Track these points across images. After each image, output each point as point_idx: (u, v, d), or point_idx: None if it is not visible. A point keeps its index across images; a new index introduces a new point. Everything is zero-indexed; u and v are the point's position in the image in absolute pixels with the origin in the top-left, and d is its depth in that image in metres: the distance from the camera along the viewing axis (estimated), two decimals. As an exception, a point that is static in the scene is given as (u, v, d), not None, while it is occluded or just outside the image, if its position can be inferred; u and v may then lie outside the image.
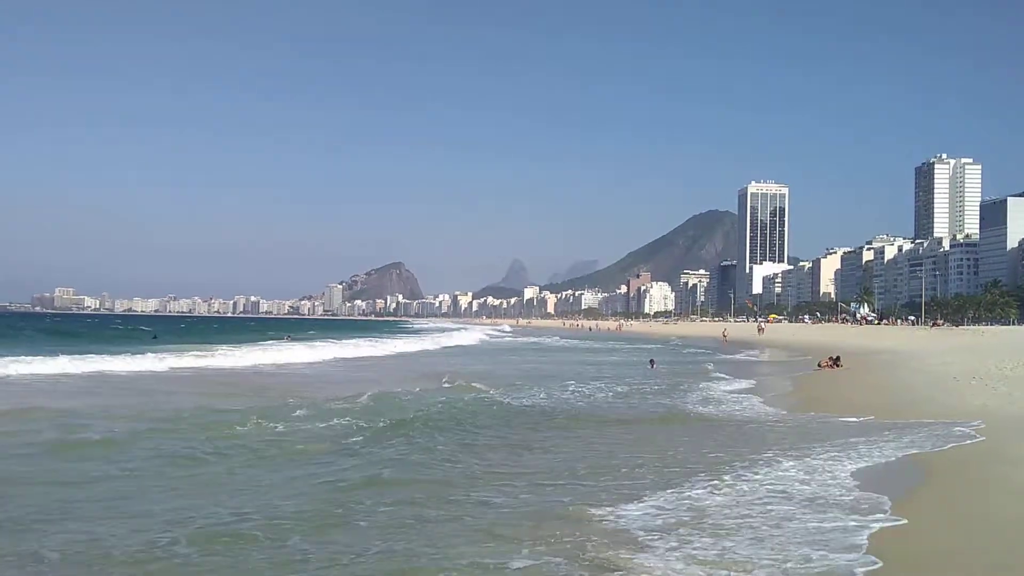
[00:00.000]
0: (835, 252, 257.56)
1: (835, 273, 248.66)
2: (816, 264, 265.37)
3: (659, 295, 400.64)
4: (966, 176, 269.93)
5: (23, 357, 33.60)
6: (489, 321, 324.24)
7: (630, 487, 11.64)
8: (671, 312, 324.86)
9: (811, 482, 11.91)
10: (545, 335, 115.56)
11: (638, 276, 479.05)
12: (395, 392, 24.33)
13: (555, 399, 24.12)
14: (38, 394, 23.42)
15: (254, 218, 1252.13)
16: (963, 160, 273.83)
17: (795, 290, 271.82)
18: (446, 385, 27.71)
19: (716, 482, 11.92)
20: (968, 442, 15.07)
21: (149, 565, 8.24)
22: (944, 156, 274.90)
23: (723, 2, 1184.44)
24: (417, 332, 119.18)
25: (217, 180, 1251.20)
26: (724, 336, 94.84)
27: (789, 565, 8.14)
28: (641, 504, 10.62)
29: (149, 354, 39.87)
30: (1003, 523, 9.60)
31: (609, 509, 10.31)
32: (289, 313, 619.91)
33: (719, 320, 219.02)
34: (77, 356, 35.77)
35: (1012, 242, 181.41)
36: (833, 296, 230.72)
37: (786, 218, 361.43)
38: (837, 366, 36.35)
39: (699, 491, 11.38)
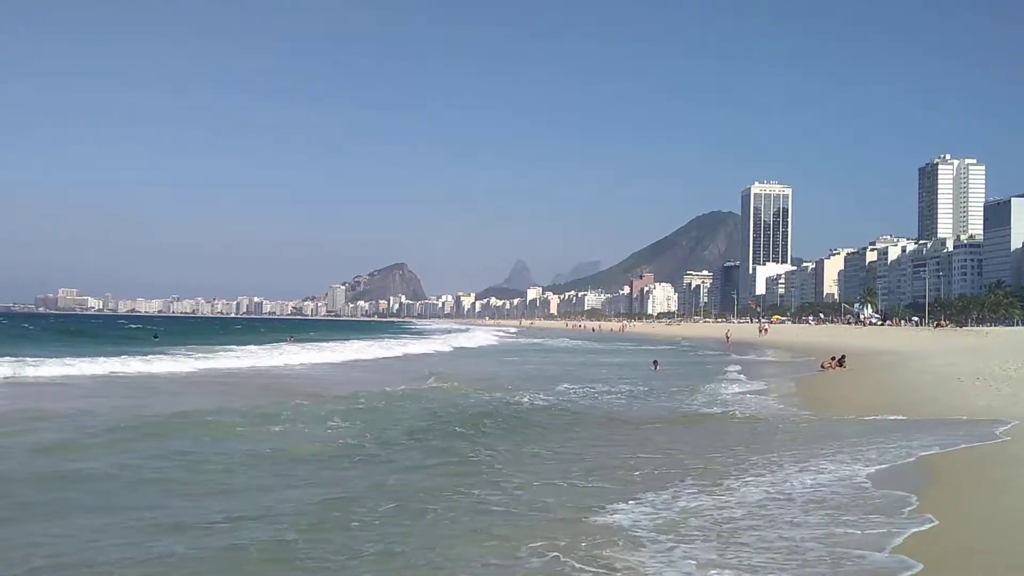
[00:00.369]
0: (838, 253, 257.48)
1: (838, 274, 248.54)
2: (819, 265, 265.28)
3: (662, 296, 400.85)
4: (970, 176, 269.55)
5: (28, 358, 33.42)
6: (492, 322, 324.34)
7: (634, 488, 11.57)
8: (674, 313, 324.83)
9: (822, 482, 11.80)
10: (549, 336, 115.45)
11: (641, 277, 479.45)
12: (406, 393, 24.27)
13: (567, 399, 24.11)
14: (36, 397, 23.36)
15: (257, 219, 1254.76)
16: (967, 160, 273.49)
17: (798, 291, 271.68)
18: (445, 385, 27.65)
19: (721, 483, 11.85)
20: (978, 444, 14.93)
21: (148, 565, 8.19)
22: (948, 156, 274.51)
23: (724, 2, 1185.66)
24: (421, 333, 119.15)
25: (219, 180, 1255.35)
26: (727, 337, 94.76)
27: (811, 569, 8.03)
28: (643, 505, 10.56)
29: (150, 355, 39.85)
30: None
31: (609, 510, 10.26)
32: (292, 314, 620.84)
33: (722, 321, 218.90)
34: (84, 358, 35.44)
35: (1016, 243, 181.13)
36: (836, 297, 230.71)
37: (789, 219, 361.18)
38: (840, 367, 36.26)
39: (705, 492, 11.28)
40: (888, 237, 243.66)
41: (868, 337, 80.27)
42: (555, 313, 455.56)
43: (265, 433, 16.54)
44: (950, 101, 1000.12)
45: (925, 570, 7.90)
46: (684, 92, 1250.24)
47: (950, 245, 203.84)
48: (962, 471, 12.52)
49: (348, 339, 75.51)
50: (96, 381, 28.66)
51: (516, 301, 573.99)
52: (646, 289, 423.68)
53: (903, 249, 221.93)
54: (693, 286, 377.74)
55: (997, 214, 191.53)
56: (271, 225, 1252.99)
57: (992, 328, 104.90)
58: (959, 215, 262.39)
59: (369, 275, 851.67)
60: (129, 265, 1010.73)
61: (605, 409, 22.29)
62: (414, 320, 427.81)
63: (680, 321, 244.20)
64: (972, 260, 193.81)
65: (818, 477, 12.20)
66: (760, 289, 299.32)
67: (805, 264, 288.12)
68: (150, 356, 39.28)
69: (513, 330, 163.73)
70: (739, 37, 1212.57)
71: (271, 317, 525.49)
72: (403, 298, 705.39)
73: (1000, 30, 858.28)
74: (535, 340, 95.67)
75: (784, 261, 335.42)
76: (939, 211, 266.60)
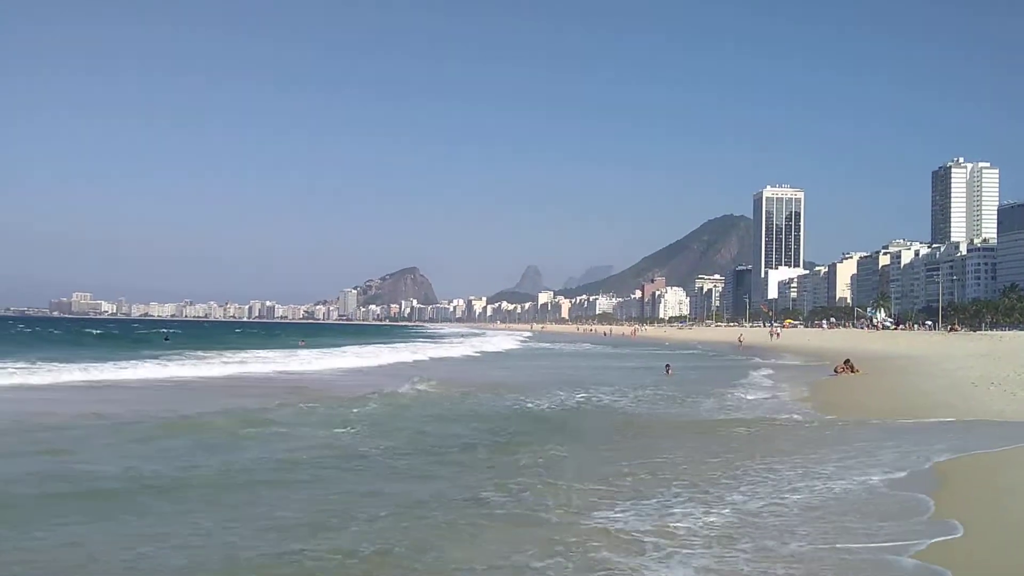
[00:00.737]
0: (851, 257, 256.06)
1: (851, 278, 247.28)
2: (832, 269, 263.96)
3: (674, 300, 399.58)
4: (983, 180, 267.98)
5: (35, 364, 33.46)
6: (503, 326, 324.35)
7: (638, 493, 11.57)
8: (686, 317, 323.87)
9: (839, 487, 11.86)
10: (565, 341, 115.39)
11: (653, 281, 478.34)
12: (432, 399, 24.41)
13: (582, 403, 24.29)
14: (35, 402, 23.43)
15: (269, 223, 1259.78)
16: (980, 164, 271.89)
17: (811, 295, 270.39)
18: (426, 389, 27.84)
19: (730, 488, 11.96)
20: (995, 449, 14.99)
21: (145, 564, 8.32)
22: (961, 160, 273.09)
23: (739, 4, 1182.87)
24: (435, 337, 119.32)
25: (231, 185, 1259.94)
26: (740, 341, 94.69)
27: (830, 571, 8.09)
28: (648, 505, 10.69)
29: (163, 359, 40.30)
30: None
31: (610, 510, 10.40)
32: (304, 318, 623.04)
33: (734, 325, 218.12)
34: (92, 364, 35.41)
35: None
36: (849, 301, 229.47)
37: (801, 222, 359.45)
38: (853, 371, 36.28)
39: (715, 497, 11.37)
40: (901, 241, 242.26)
41: (881, 341, 79.99)
42: (566, 317, 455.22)
43: (272, 436, 16.74)
44: (964, 104, 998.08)
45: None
46: (697, 96, 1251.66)
47: (964, 249, 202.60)
48: (980, 476, 12.58)
49: (370, 343, 75.61)
50: (99, 386, 28.50)
51: (527, 305, 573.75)
52: (658, 293, 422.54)
53: (916, 253, 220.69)
54: (705, 290, 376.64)
55: (1011, 218, 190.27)
56: (283, 230, 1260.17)
57: (1006, 332, 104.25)
58: (973, 219, 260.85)
59: (381, 279, 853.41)
60: (142, 269, 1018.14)
61: (620, 412, 22.36)
62: (426, 324, 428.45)
63: (692, 325, 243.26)
64: (986, 264, 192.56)
65: (835, 482, 12.24)
66: (772, 293, 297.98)
67: (818, 268, 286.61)
68: (163, 360, 39.68)
69: (526, 334, 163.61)
70: (753, 40, 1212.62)
71: (283, 321, 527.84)
72: (415, 302, 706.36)
73: (1015, 32, 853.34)
74: (558, 345, 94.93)
75: (796, 265, 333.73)
76: (952, 215, 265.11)
